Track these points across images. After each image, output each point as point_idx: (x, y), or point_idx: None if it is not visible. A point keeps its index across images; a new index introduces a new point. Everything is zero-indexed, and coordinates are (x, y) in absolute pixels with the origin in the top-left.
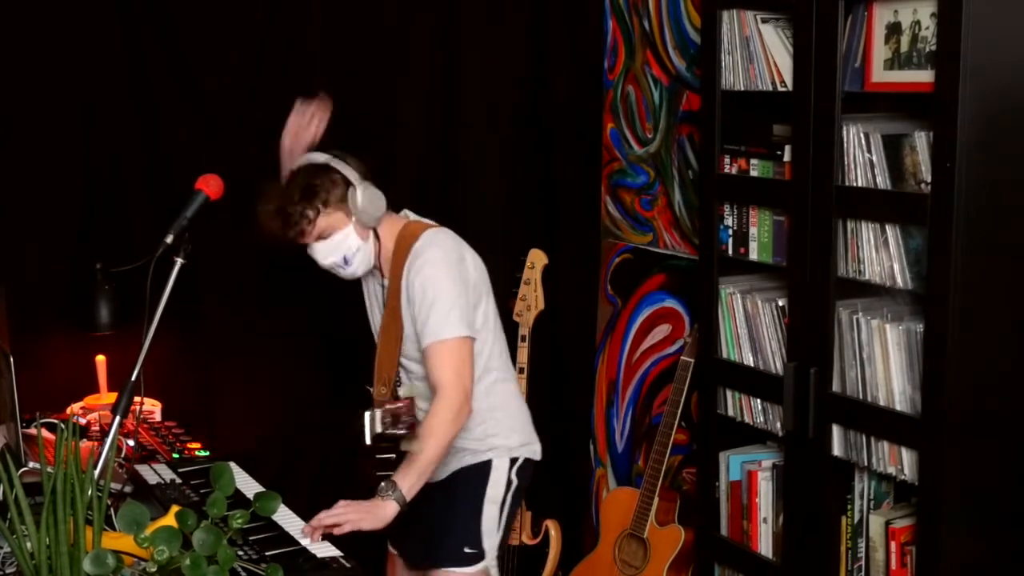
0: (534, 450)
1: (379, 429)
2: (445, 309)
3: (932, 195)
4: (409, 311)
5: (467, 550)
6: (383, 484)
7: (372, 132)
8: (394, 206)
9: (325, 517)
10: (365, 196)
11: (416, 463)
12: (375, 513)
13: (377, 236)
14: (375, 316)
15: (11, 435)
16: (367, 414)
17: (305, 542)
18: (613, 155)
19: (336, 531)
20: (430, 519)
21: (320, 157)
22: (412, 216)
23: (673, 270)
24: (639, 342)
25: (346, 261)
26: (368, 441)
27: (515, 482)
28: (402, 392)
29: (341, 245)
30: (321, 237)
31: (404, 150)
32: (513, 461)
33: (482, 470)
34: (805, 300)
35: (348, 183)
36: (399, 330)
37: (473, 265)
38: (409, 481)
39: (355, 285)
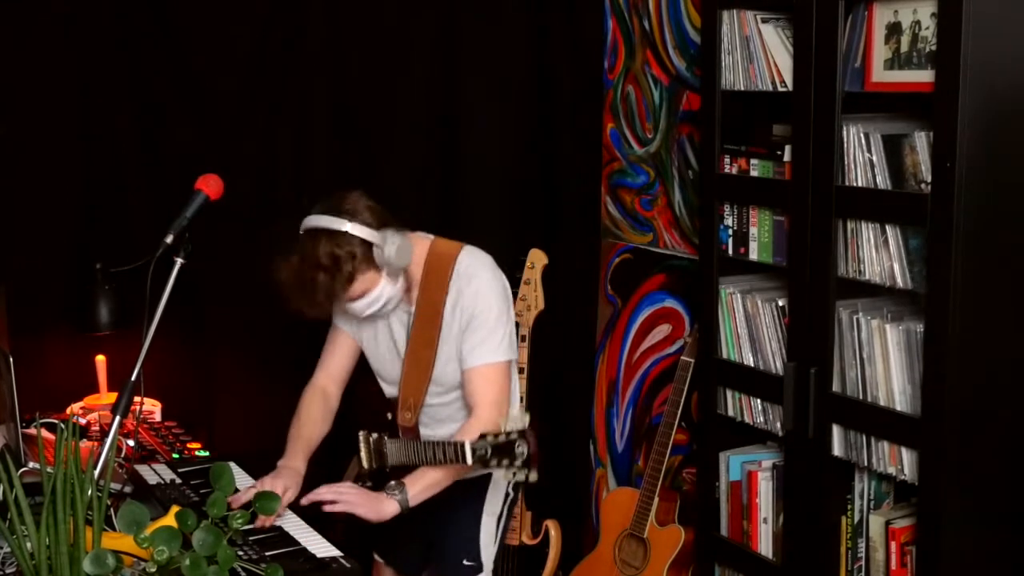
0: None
1: (393, 462)
2: (501, 333)
3: (932, 195)
4: (458, 329)
5: (466, 562)
6: (392, 483)
7: (372, 132)
8: (403, 220)
9: (326, 491)
10: (390, 251)
11: (431, 474)
12: (375, 506)
13: (406, 273)
14: (388, 342)
15: (11, 435)
16: (362, 435)
17: (305, 542)
18: (613, 155)
19: (329, 507)
20: (428, 529)
21: (334, 223)
22: (427, 235)
23: (673, 270)
24: (639, 342)
25: (384, 308)
26: (366, 465)
27: (511, 495)
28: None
29: (378, 299)
30: (355, 299)
31: (404, 150)
32: None
33: (481, 483)
34: (805, 300)
35: (369, 244)
36: (431, 356)
37: (505, 277)
38: (418, 488)
39: None
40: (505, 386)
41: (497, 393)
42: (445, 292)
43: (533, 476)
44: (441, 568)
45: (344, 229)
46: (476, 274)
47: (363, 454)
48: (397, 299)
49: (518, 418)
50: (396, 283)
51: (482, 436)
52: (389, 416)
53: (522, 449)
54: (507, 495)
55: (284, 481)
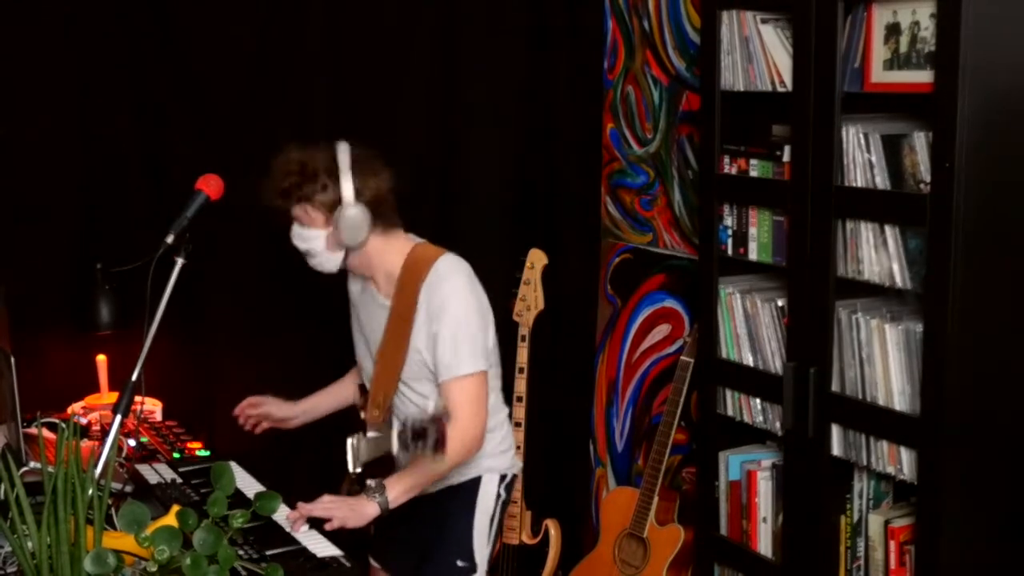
0: (519, 467)
1: (364, 459)
2: (471, 345)
3: (931, 195)
4: (426, 335)
5: (460, 563)
6: (371, 483)
7: (372, 132)
8: (401, 219)
9: (312, 508)
10: (346, 222)
11: (411, 476)
12: (357, 511)
13: (347, 257)
14: (364, 337)
15: (12, 435)
16: (350, 441)
17: (305, 542)
18: (613, 155)
19: (327, 526)
20: (421, 533)
21: (344, 159)
22: (416, 238)
23: (673, 270)
24: (639, 342)
25: (308, 255)
26: (352, 469)
27: (503, 496)
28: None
29: (309, 241)
30: (298, 221)
31: (404, 150)
32: (502, 478)
33: (472, 486)
34: (805, 300)
35: (339, 199)
36: (403, 354)
37: (483, 290)
38: (398, 490)
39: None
40: (481, 396)
41: (471, 406)
42: (416, 295)
43: (443, 458)
44: (435, 570)
45: (337, 169)
46: (447, 282)
47: (349, 458)
48: (329, 261)
49: (438, 402)
50: (334, 251)
51: (403, 423)
52: (362, 414)
53: (432, 434)
54: (498, 495)
55: (270, 403)
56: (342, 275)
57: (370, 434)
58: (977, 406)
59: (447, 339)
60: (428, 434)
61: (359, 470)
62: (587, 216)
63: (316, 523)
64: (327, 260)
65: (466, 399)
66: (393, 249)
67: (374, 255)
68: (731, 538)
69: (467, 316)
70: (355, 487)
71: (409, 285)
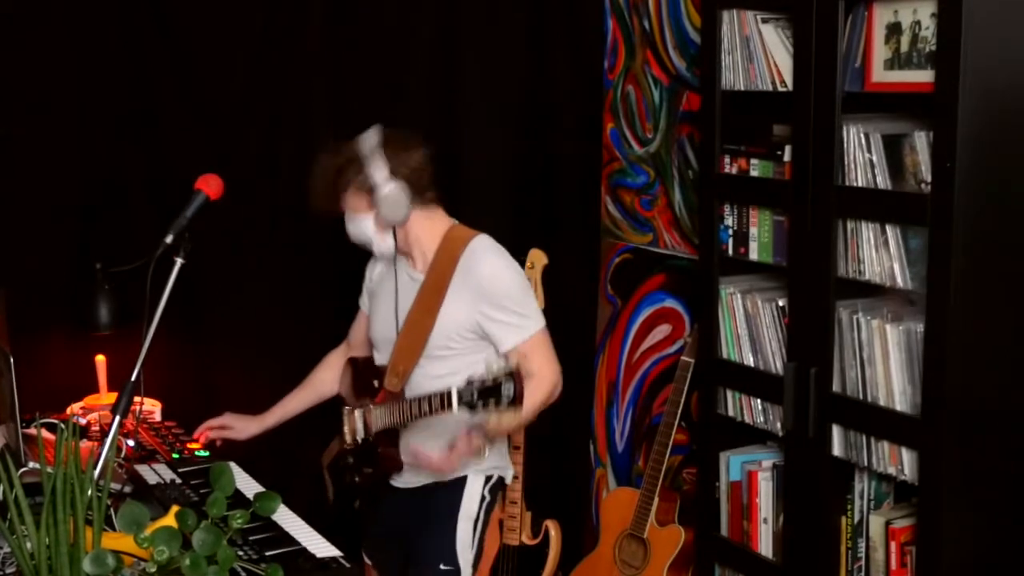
0: (507, 472)
1: (377, 428)
2: (527, 307)
3: (932, 195)
4: (467, 310)
5: (443, 567)
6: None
7: None
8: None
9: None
10: (385, 201)
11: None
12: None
13: (395, 235)
14: (391, 308)
15: (11, 435)
16: (350, 412)
17: (305, 542)
18: (613, 155)
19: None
20: (405, 534)
21: (367, 143)
22: (452, 219)
23: (673, 270)
24: (639, 342)
25: (366, 244)
26: (349, 440)
27: (487, 498)
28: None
29: (360, 226)
30: (347, 210)
31: None
32: (487, 479)
33: (456, 486)
34: (805, 300)
35: (376, 180)
36: (432, 322)
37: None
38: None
39: (358, 283)
40: (551, 349)
41: (548, 359)
42: (454, 266)
43: (513, 416)
44: (419, 572)
45: (365, 153)
46: (487, 261)
47: (346, 429)
48: (384, 243)
49: (500, 360)
50: (383, 233)
51: (469, 381)
52: (376, 384)
53: (508, 390)
54: (483, 498)
55: (239, 421)
56: (342, 275)
57: (383, 404)
58: (977, 406)
59: (507, 309)
60: (502, 390)
61: (359, 439)
62: (587, 216)
63: (316, 524)
64: (381, 243)
65: (541, 355)
66: (433, 226)
67: (415, 230)
68: (732, 539)
69: (515, 285)
70: (345, 459)
71: (444, 260)
